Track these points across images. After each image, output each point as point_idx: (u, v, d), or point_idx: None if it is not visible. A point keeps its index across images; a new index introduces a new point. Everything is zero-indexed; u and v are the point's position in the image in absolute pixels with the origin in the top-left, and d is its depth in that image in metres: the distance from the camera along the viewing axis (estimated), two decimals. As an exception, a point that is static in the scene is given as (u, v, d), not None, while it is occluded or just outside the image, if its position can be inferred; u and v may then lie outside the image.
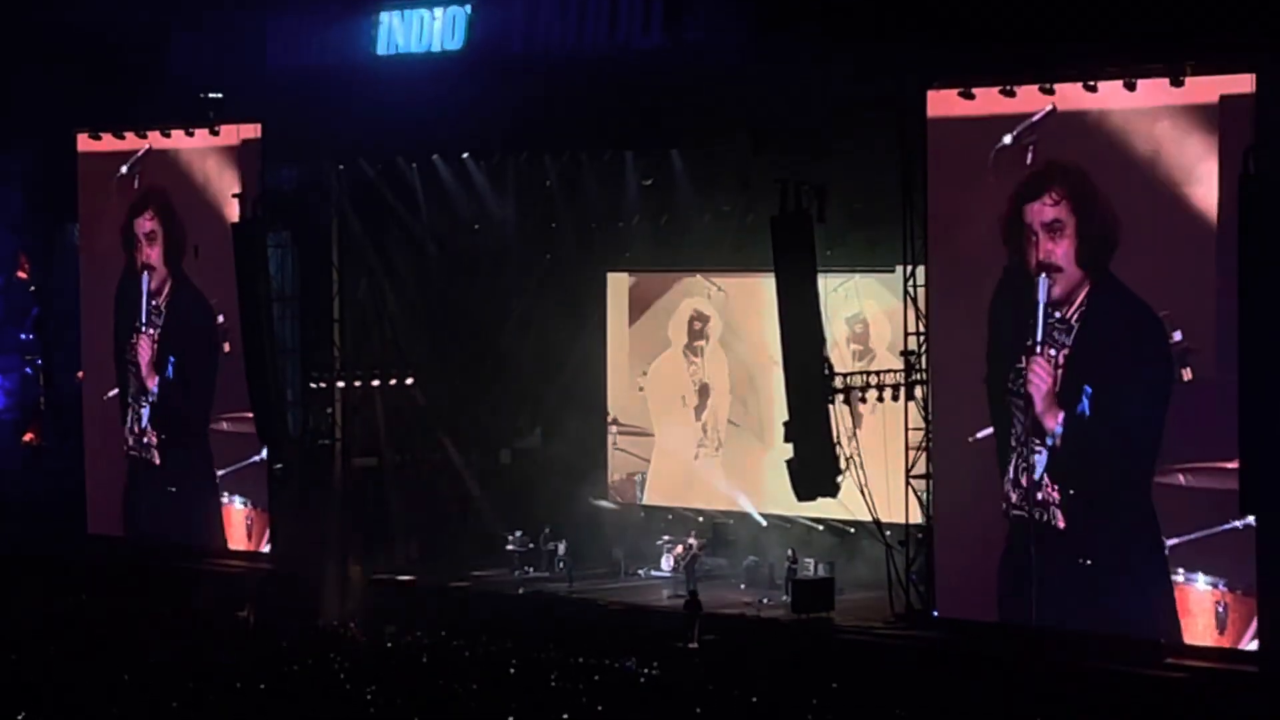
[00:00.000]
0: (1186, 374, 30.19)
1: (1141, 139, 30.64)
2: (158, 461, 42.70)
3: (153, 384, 42.47)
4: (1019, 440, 32.06)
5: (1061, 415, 31.53)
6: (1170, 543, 30.51)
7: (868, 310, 37.05)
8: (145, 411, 42.64)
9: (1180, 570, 30.50)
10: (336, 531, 40.06)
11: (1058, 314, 31.67)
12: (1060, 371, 31.66)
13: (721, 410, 39.98)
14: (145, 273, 42.57)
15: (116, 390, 43.24)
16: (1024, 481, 32.05)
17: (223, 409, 41.16)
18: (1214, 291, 29.61)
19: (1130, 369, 31.01)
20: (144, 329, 42.64)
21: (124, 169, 42.54)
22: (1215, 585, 30.18)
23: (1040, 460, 31.77)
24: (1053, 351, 31.62)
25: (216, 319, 40.92)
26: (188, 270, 41.79)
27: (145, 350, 42.64)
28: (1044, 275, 31.66)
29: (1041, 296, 31.67)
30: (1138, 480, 30.75)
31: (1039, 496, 31.87)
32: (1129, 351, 31.01)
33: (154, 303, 42.49)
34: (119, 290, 43.22)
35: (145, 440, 42.81)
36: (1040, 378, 31.74)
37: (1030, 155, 31.76)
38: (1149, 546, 30.73)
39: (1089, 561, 31.29)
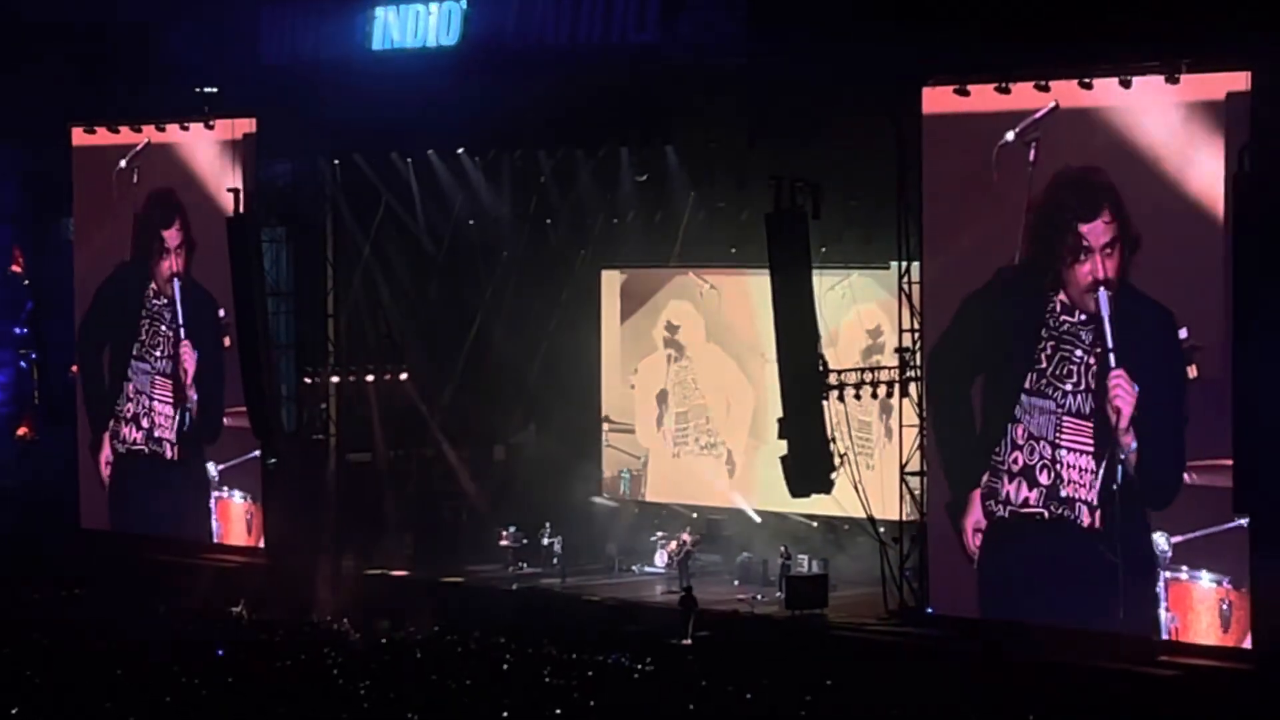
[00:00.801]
0: (1192, 371, 30.06)
1: (1145, 135, 30.52)
2: (172, 457, 42.43)
3: (193, 393, 41.96)
4: (1110, 447, 31.29)
5: (1133, 430, 31.02)
6: (1175, 540, 30.36)
7: (868, 310, 37.00)
8: (189, 417, 42.03)
9: (1184, 568, 30.36)
10: (330, 527, 40.11)
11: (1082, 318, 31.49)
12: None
13: (723, 412, 39.90)
14: (174, 281, 42.12)
15: (131, 386, 42.89)
16: (1044, 480, 31.87)
17: (226, 404, 41.03)
18: (1221, 290, 29.30)
19: (1157, 368, 30.74)
20: (183, 337, 42.10)
21: (123, 163, 42.44)
22: (1219, 583, 30.04)
23: (1119, 473, 31.07)
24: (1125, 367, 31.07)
25: (219, 313, 40.78)
26: (194, 268, 41.68)
27: (190, 361, 41.98)
28: (1103, 289, 31.18)
29: (1105, 312, 31.14)
30: (1172, 476, 30.46)
31: (1063, 494, 31.70)
32: (1153, 351, 30.71)
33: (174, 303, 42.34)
34: (104, 286, 43.01)
35: (157, 435, 42.70)
36: (1127, 391, 30.99)
37: (1033, 152, 31.66)
38: (1149, 543, 30.65)
39: (1118, 559, 31.02)
